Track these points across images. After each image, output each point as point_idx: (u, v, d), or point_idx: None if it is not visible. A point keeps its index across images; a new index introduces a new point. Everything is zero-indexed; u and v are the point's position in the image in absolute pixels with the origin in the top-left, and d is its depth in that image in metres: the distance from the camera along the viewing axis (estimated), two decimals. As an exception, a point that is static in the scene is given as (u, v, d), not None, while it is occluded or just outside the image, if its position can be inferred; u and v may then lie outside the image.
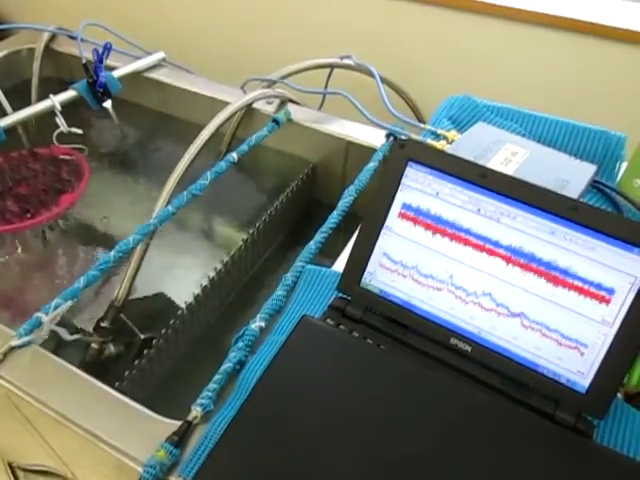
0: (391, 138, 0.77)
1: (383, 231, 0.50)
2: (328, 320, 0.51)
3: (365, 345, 0.49)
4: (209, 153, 0.91)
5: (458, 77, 0.98)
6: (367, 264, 0.51)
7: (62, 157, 0.88)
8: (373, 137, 0.80)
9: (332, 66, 0.84)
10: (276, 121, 0.80)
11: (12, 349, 0.52)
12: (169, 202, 0.67)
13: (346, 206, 0.67)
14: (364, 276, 0.51)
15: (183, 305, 0.68)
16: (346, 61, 0.83)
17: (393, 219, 0.49)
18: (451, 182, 0.47)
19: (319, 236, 0.63)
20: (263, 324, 0.54)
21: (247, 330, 0.53)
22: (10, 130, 0.81)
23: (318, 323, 0.50)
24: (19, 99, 0.90)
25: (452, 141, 0.58)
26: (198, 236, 0.83)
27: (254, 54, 1.11)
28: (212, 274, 0.69)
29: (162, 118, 0.94)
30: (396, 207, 0.49)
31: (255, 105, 0.85)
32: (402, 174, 0.49)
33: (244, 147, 0.75)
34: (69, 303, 0.56)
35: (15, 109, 0.84)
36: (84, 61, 0.83)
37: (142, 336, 0.66)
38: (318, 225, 0.90)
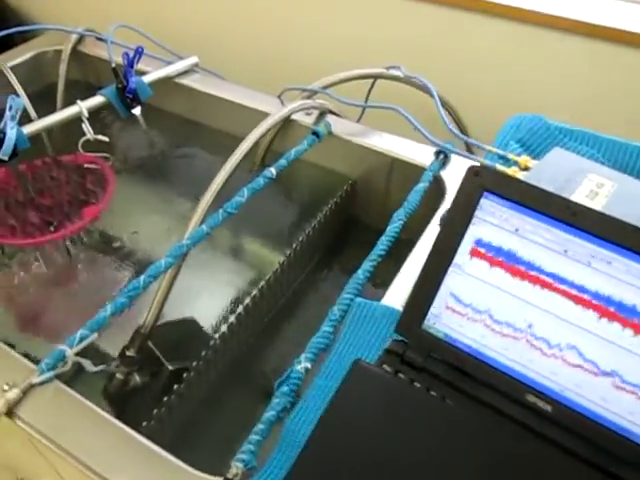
0: (441, 156, 0.71)
1: (451, 269, 0.44)
2: (385, 366, 0.45)
3: (429, 398, 0.43)
4: (240, 165, 0.86)
5: (505, 92, 0.92)
6: (431, 305, 0.45)
7: (87, 166, 0.83)
8: (421, 154, 0.74)
9: (377, 77, 0.78)
10: (316, 134, 0.75)
11: (32, 386, 0.47)
12: (203, 221, 0.61)
13: (396, 231, 0.61)
14: (427, 318, 0.45)
15: (214, 332, 0.63)
16: (392, 72, 0.78)
17: (463, 256, 0.44)
18: (534, 218, 0.41)
19: (367, 264, 0.57)
20: (309, 365, 0.49)
21: (292, 373, 0.48)
22: (33, 136, 0.76)
23: (374, 370, 0.45)
24: (44, 103, 0.86)
25: (525, 168, 0.52)
26: (229, 256, 0.78)
27: (289, 62, 1.06)
28: (247, 300, 0.63)
29: (192, 126, 0.89)
30: (467, 243, 0.43)
31: (293, 116, 0.80)
32: (476, 206, 0.43)
33: (283, 162, 0.70)
34: (95, 335, 0.51)
35: (40, 113, 0.80)
36: (113, 65, 0.79)
37: (170, 367, 0.61)
38: (356, 244, 0.85)
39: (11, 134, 0.69)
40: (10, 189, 0.80)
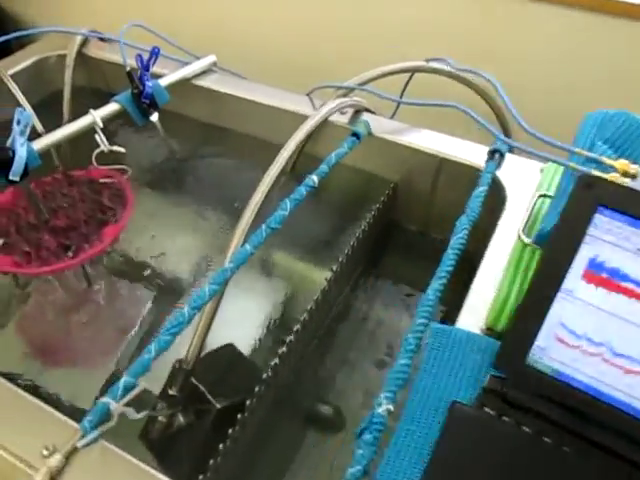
0: (497, 155, 0.65)
1: (560, 295, 0.38)
2: (486, 409, 0.39)
3: (543, 445, 0.37)
4: (264, 170, 0.80)
5: (558, 84, 0.85)
6: (536, 337, 0.39)
7: (102, 181, 0.76)
8: (471, 153, 0.68)
9: (419, 70, 0.72)
10: (356, 135, 0.68)
11: (76, 449, 0.41)
12: (245, 240, 0.55)
13: (461, 242, 0.55)
14: (532, 351, 0.39)
15: (262, 362, 0.57)
16: (435, 65, 0.71)
17: (575, 280, 0.38)
18: (663, 234, 0.35)
19: (436, 283, 0.51)
20: (391, 406, 0.42)
21: (374, 417, 0.42)
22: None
23: (476, 414, 0.39)
24: (48, 114, 0.78)
25: (628, 174, 0.46)
26: (268, 275, 0.71)
27: (315, 58, 0.98)
28: (297, 326, 0.57)
29: (215, 131, 0.82)
30: (579, 264, 0.37)
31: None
32: (589, 222, 0.37)
33: (324, 168, 0.63)
34: (143, 385, 0.44)
35: (45, 125, 0.73)
36: (128, 68, 0.71)
37: (218, 405, 0.54)
38: (397, 251, 0.79)
39: (21, 152, 0.62)
40: (19, 211, 0.73)
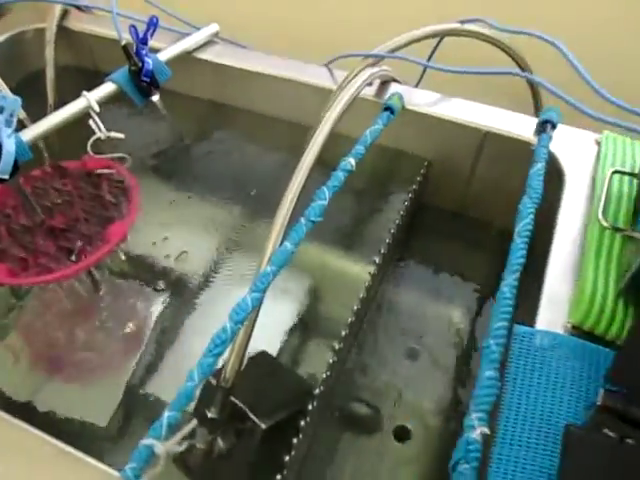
0: (549, 127, 0.58)
1: (694, 294, 0.32)
2: (606, 431, 0.34)
3: (679, 472, 0.32)
4: (280, 153, 0.72)
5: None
6: (663, 344, 0.33)
7: (100, 172, 0.68)
8: (517, 126, 0.61)
9: (451, 34, 0.64)
10: (390, 109, 0.61)
11: (120, 505, 0.34)
12: (284, 237, 0.48)
13: (528, 229, 0.49)
14: (656, 361, 0.34)
15: (303, 371, 0.50)
16: (472, 27, 0.64)
17: None
18: None
19: (510, 277, 0.45)
20: (486, 429, 0.37)
21: (469, 444, 0.36)
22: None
23: (596, 439, 0.33)
24: (28, 98, 0.69)
25: None
26: (301, 272, 0.64)
27: (328, 27, 0.89)
28: (344, 331, 0.51)
29: (222, 111, 0.74)
30: None
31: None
32: None
33: (360, 148, 0.56)
34: (194, 422, 0.38)
35: (30, 112, 0.63)
36: (124, 42, 0.62)
37: (264, 425, 0.48)
38: (434, 234, 0.73)
39: (9, 146, 0.53)
40: (8, 211, 0.64)
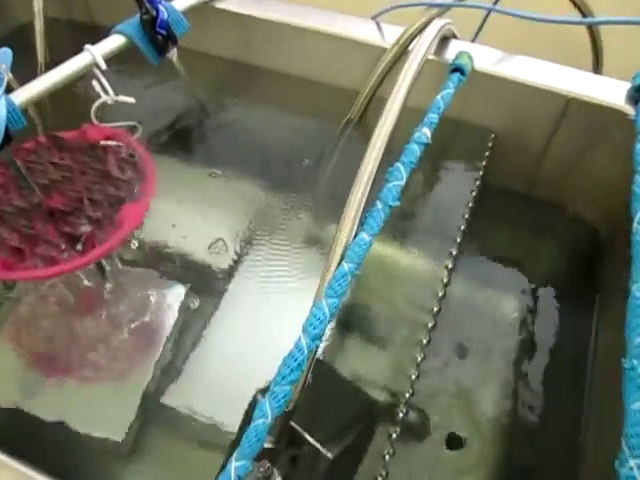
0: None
1: None
2: None
3: None
4: (319, 123, 0.62)
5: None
6: None
7: (104, 143, 0.57)
8: (602, 92, 0.52)
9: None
10: (459, 70, 0.51)
11: None
12: (359, 226, 0.39)
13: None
14: None
15: (372, 387, 0.42)
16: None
17: None
18: None
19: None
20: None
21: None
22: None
23: None
24: (15, 55, 0.57)
25: None
26: (367, 269, 0.54)
27: None
28: (423, 337, 0.42)
29: (248, 73, 0.63)
30: None
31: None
32: None
33: (432, 117, 0.46)
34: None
35: (16, 72, 0.52)
36: (134, -15, 0.51)
37: (330, 455, 0.39)
38: (487, 219, 0.64)
39: (-1, 108, 0.43)
40: (-2, 190, 0.53)
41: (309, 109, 0.58)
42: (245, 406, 0.50)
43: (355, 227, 0.38)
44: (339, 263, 0.37)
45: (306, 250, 0.55)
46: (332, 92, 0.57)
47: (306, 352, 0.32)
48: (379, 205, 0.39)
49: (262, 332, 0.54)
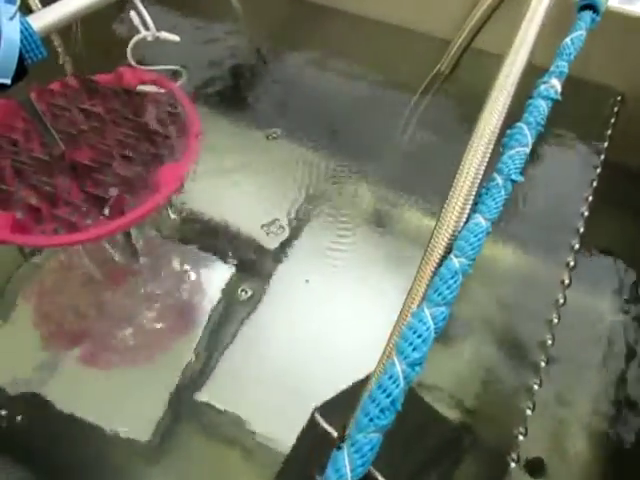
0: None
1: None
2: None
3: None
4: (397, 76, 0.51)
5: None
6: None
7: (143, 89, 0.48)
8: None
9: None
10: (592, 7, 0.40)
11: None
12: (473, 206, 0.28)
13: None
14: None
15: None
16: None
17: None
18: None
19: None
20: None
21: None
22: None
23: None
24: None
25: None
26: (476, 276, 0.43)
27: None
28: (541, 357, 0.31)
29: (317, 14, 0.52)
30: None
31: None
32: None
33: (562, 65, 0.36)
34: None
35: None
36: None
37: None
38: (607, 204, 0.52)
39: (11, 32, 0.34)
40: (17, 137, 0.45)
41: (390, 60, 0.48)
42: (289, 413, 0.41)
43: (467, 208, 0.28)
44: (444, 256, 0.27)
45: (376, 233, 0.45)
46: (419, 40, 0.46)
47: (402, 384, 0.22)
48: (498, 179, 0.29)
49: (315, 329, 0.45)
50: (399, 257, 0.46)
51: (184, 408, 0.46)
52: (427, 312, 0.24)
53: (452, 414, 0.35)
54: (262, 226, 0.48)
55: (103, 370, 0.48)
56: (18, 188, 0.43)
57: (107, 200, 0.41)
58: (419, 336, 0.23)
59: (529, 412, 0.31)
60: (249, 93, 0.52)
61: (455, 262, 0.26)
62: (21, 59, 0.35)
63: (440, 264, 0.27)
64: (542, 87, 0.34)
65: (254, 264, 0.48)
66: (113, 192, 0.42)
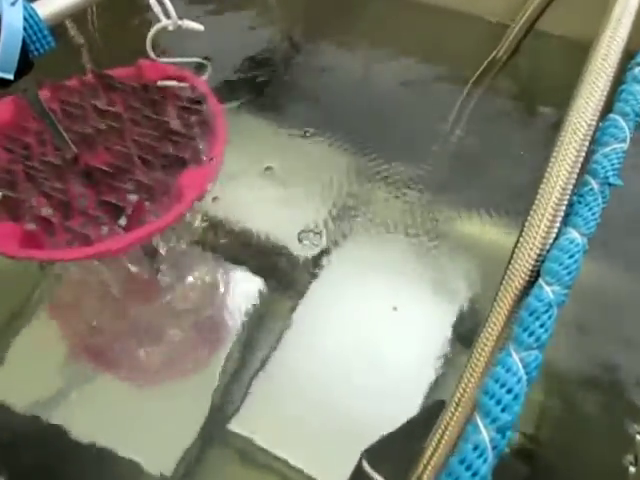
0: None
1: None
2: None
3: None
4: (447, 64, 0.45)
5: None
6: None
7: (163, 84, 0.43)
8: None
9: None
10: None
11: None
12: (566, 214, 0.23)
13: None
14: None
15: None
16: None
17: None
18: None
19: None
20: None
21: None
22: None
23: None
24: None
25: None
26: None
27: None
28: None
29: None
30: None
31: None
32: None
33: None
34: None
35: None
36: None
37: None
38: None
39: (12, 17, 0.29)
40: (29, 140, 0.41)
41: (439, 47, 0.43)
42: (329, 452, 0.36)
43: (557, 221, 0.22)
44: (529, 282, 0.21)
45: (426, 246, 0.40)
46: (471, 24, 0.41)
47: (490, 457, 0.17)
48: (593, 184, 0.23)
49: (355, 351, 0.40)
50: (451, 274, 0.40)
51: (213, 437, 0.41)
52: (516, 357, 0.19)
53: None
54: (296, 234, 0.43)
55: (127, 392, 0.44)
56: (29, 196, 0.39)
57: (123, 210, 0.37)
58: (509, 391, 0.18)
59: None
60: (281, 88, 0.47)
61: (547, 291, 0.20)
62: (25, 50, 0.31)
63: (524, 293, 0.21)
64: (637, 70, 0.28)
65: (288, 276, 0.44)
66: (131, 200, 0.38)
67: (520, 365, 0.19)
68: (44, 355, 0.45)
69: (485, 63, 0.42)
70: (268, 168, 0.44)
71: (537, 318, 0.20)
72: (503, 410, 0.18)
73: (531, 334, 0.19)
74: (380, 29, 0.46)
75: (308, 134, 0.44)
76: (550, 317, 0.20)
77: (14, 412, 0.42)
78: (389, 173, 0.43)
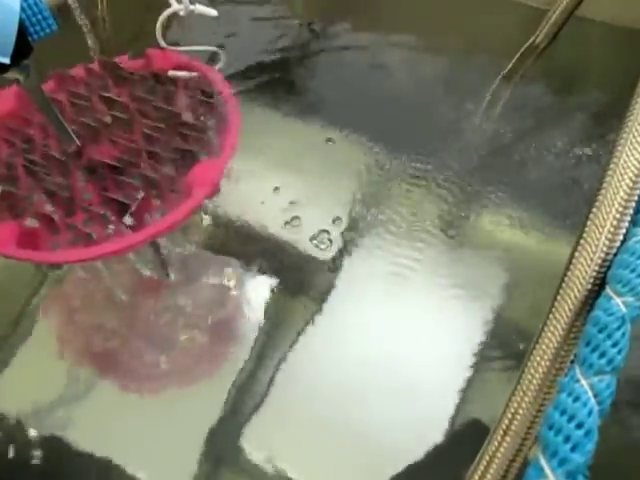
0: None
1: None
2: None
3: None
4: (480, 52, 0.42)
5: None
6: None
7: (174, 74, 0.41)
8: None
9: None
10: None
11: None
12: (635, 212, 0.19)
13: None
14: None
15: None
16: None
17: None
18: None
19: None
20: None
21: None
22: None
23: None
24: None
25: None
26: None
27: None
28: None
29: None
30: None
31: None
32: None
33: None
34: None
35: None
36: None
37: None
38: None
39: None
40: (30, 131, 0.39)
41: (472, 34, 0.39)
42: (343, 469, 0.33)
43: (625, 220, 0.19)
44: (593, 291, 0.18)
45: (450, 253, 0.37)
46: (507, 9, 0.38)
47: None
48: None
49: (375, 362, 0.37)
50: (480, 278, 0.37)
51: (223, 453, 0.38)
52: (584, 383, 0.16)
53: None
54: (310, 238, 0.40)
55: (132, 401, 0.42)
56: (30, 192, 0.36)
57: (129, 207, 0.34)
58: (579, 425, 0.15)
59: None
60: (298, 78, 0.44)
61: (618, 302, 0.17)
62: (24, 33, 0.28)
63: (586, 304, 0.18)
64: None
65: (302, 277, 0.41)
66: (138, 196, 0.35)
67: (590, 393, 0.16)
68: (46, 360, 0.43)
69: (522, 50, 0.39)
70: (281, 166, 0.41)
71: (609, 336, 0.16)
72: (573, 449, 0.14)
73: (602, 355, 0.16)
74: (407, 14, 0.43)
75: (327, 127, 0.41)
76: (624, 334, 0.17)
77: (14, 418, 0.39)
78: (414, 168, 0.40)
